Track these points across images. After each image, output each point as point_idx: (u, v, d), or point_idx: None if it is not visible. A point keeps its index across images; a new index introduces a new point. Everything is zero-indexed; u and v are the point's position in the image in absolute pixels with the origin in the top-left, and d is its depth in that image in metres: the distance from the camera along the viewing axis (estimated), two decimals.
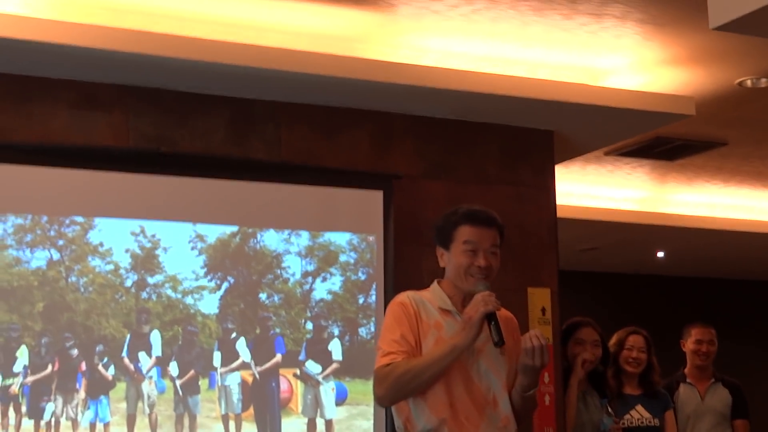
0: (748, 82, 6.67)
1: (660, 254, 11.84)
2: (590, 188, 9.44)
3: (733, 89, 6.81)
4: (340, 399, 5.62)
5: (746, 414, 7.01)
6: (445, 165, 6.34)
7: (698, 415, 6.94)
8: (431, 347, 4.20)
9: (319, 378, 5.59)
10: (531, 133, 6.64)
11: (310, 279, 5.69)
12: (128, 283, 5.35)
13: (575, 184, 9.24)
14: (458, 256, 4.26)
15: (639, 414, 6.41)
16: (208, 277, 5.49)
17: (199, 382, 5.42)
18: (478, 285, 4.20)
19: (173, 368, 5.38)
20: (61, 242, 5.26)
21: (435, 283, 4.41)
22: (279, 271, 5.64)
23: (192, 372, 5.40)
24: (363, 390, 5.70)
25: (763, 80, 6.63)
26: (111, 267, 5.32)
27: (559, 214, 6.88)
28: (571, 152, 7.36)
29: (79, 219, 5.29)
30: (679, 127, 7.23)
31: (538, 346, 4.12)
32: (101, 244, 5.32)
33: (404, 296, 4.33)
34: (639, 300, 12.75)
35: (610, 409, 5.90)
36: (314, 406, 5.58)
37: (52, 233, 5.25)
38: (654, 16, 5.78)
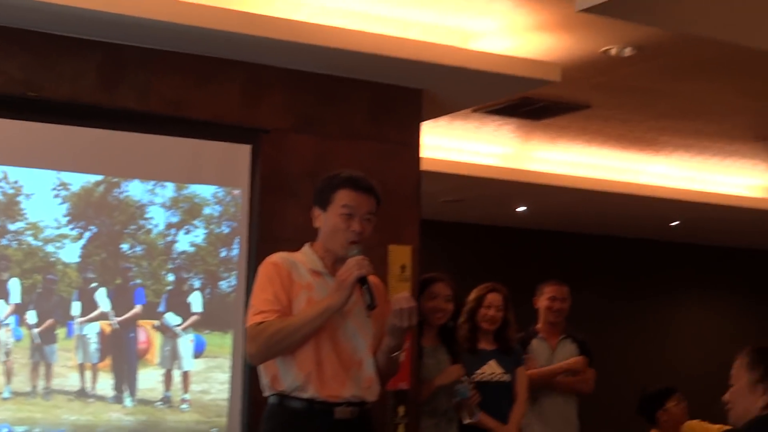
0: (613, 51, 6.81)
1: (521, 209, 12.04)
2: (457, 143, 9.55)
3: (598, 56, 6.95)
4: (198, 351, 5.63)
5: (591, 364, 7.26)
6: (313, 119, 6.35)
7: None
8: (303, 307, 4.26)
9: (178, 330, 5.60)
10: (400, 90, 6.68)
11: (173, 231, 5.66)
12: None
13: (442, 138, 9.33)
14: (335, 218, 4.33)
15: (491, 369, 6.57)
16: (71, 226, 5.43)
17: (57, 331, 5.37)
18: (351, 249, 4.28)
19: (31, 316, 5.32)
20: None
21: (307, 245, 4.47)
22: (142, 222, 5.60)
23: (50, 321, 5.35)
24: (221, 343, 5.73)
25: (627, 49, 6.77)
26: None
27: (425, 167, 6.95)
28: (439, 110, 7.43)
29: None
30: (545, 89, 7.35)
31: (407, 308, 4.22)
32: None
33: (276, 257, 4.39)
34: (499, 251, 12.97)
35: (465, 378, 6.04)
36: (171, 357, 5.59)
37: None
38: None
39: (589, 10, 4.39)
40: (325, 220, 4.37)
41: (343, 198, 4.33)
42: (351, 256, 4.25)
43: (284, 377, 4.27)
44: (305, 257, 4.40)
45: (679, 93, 7.97)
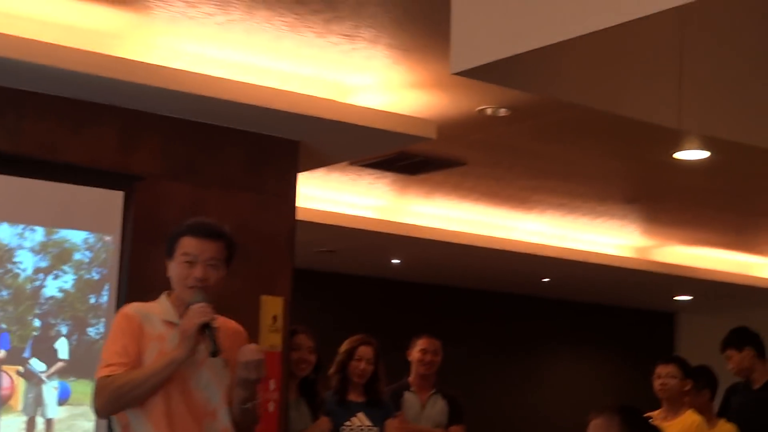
0: (488, 110, 6.95)
1: (395, 261, 12.12)
2: (333, 194, 9.60)
3: (474, 115, 7.08)
4: (63, 398, 5.56)
5: (461, 420, 7.33)
6: (189, 167, 6.34)
7: (418, 422, 7.21)
8: (152, 360, 4.22)
9: (43, 376, 5.51)
10: (277, 141, 6.71)
11: (41, 275, 5.59)
12: None
13: (318, 189, 9.37)
14: (178, 267, 4.31)
15: (360, 421, 6.59)
16: None
17: None
18: (195, 296, 4.25)
19: None
20: None
21: (164, 295, 4.43)
22: (10, 266, 5.52)
23: None
24: (86, 390, 5.65)
25: (502, 110, 6.92)
26: None
27: (300, 216, 6.98)
28: (316, 162, 7.47)
29: None
30: (421, 144, 7.44)
31: (254, 360, 4.21)
32: None
33: (129, 308, 4.34)
34: (372, 303, 13.01)
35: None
36: (35, 404, 5.50)
37: None
38: (403, 42, 5.97)
39: (462, 73, 4.47)
40: (171, 269, 4.35)
41: (184, 246, 4.30)
42: (193, 303, 4.24)
43: (135, 428, 4.23)
44: (160, 307, 4.36)
45: (551, 154, 8.15)
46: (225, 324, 4.32)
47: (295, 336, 6.24)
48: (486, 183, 9.18)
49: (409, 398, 7.26)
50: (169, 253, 4.35)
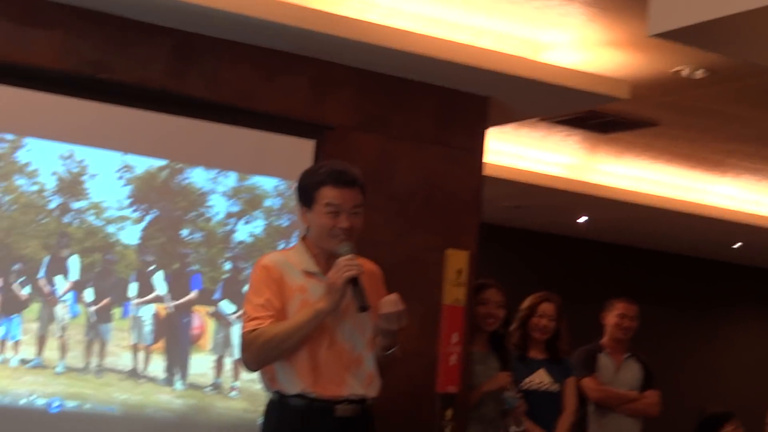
0: (684, 72, 6.79)
1: (581, 219, 12.00)
2: (522, 150, 9.55)
3: (669, 76, 6.94)
4: None
5: (656, 385, 7.26)
6: (379, 119, 6.38)
7: (612, 385, 7.16)
8: (296, 311, 4.24)
9: (232, 318, 5.66)
10: (467, 96, 6.70)
11: (233, 220, 5.73)
12: (52, 205, 5.35)
13: (507, 144, 9.33)
14: (321, 218, 4.24)
15: (540, 378, 6.57)
16: (133, 208, 5.51)
17: (113, 311, 5.46)
18: (341, 247, 4.20)
19: (88, 294, 5.41)
20: None
21: (300, 242, 4.41)
22: (203, 210, 5.67)
23: (107, 300, 5.44)
24: None
25: (699, 71, 6.76)
26: (36, 188, 5.32)
27: (489, 172, 6.96)
28: (506, 118, 7.44)
29: (9, 137, 5.28)
30: (613, 104, 7.33)
31: (395, 312, 4.18)
32: (28, 164, 5.31)
33: (268, 259, 4.32)
34: (556, 260, 12.93)
35: (513, 387, 6.05)
36: (224, 344, 5.65)
37: None
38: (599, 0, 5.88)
39: (660, 35, 4.39)
40: (312, 219, 4.29)
41: (325, 195, 4.22)
42: (341, 255, 4.22)
43: (282, 379, 4.24)
44: (298, 257, 4.32)
45: (748, 118, 7.92)
46: (362, 265, 4.23)
47: (484, 290, 6.23)
48: (678, 144, 9.00)
49: (604, 361, 7.20)
50: (308, 203, 4.29)
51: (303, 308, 4.17)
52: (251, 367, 4.29)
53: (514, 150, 9.52)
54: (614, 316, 7.24)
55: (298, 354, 4.19)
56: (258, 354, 4.15)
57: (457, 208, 6.53)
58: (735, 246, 12.93)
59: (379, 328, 4.25)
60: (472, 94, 6.70)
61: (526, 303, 6.69)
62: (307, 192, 4.25)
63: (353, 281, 4.11)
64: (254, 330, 4.12)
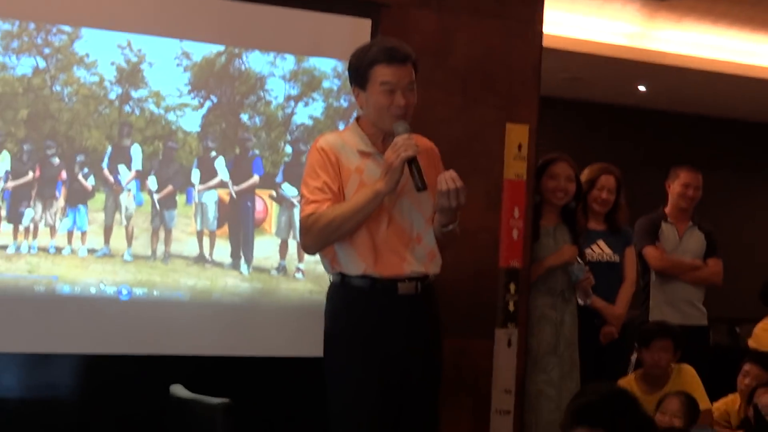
0: None
1: (642, 88, 11.87)
2: (580, 19, 9.41)
3: None
4: None
5: (717, 253, 7.26)
6: None
7: (675, 254, 7.16)
8: (354, 192, 4.23)
9: (294, 201, 5.67)
10: None
11: (292, 103, 5.70)
12: (112, 95, 5.35)
13: (565, 14, 9.20)
14: (376, 96, 4.23)
15: (600, 249, 6.58)
16: (192, 95, 5.50)
17: (177, 198, 5.49)
18: (397, 126, 4.19)
19: (152, 182, 5.44)
20: (47, 50, 5.24)
21: (354, 122, 4.41)
22: (262, 93, 5.64)
23: (170, 187, 5.47)
24: None
25: None
26: (96, 79, 5.32)
27: (546, 43, 6.85)
28: None
29: (66, 28, 5.26)
30: None
31: (453, 189, 4.17)
32: (87, 55, 5.30)
33: (324, 141, 4.32)
34: (617, 131, 12.82)
35: (579, 260, 6.04)
36: (288, 227, 5.67)
37: (39, 41, 5.22)
38: None
39: None
40: (367, 98, 4.27)
41: (380, 74, 4.22)
42: (397, 134, 4.19)
43: (343, 260, 4.27)
44: (353, 137, 4.33)
45: None
46: (418, 143, 4.26)
47: (553, 164, 6.19)
48: (740, 7, 8.84)
49: (667, 229, 7.21)
50: (361, 83, 4.28)
51: (360, 189, 4.18)
52: (310, 251, 4.34)
53: (571, 20, 9.38)
54: (678, 185, 7.22)
55: (358, 235, 4.22)
56: (318, 237, 4.19)
57: (516, 82, 6.43)
58: None
59: (438, 205, 4.25)
60: None
61: (585, 176, 6.66)
62: (359, 72, 4.25)
63: (411, 160, 4.10)
64: (312, 213, 4.16)
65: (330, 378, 4.39)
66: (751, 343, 8.10)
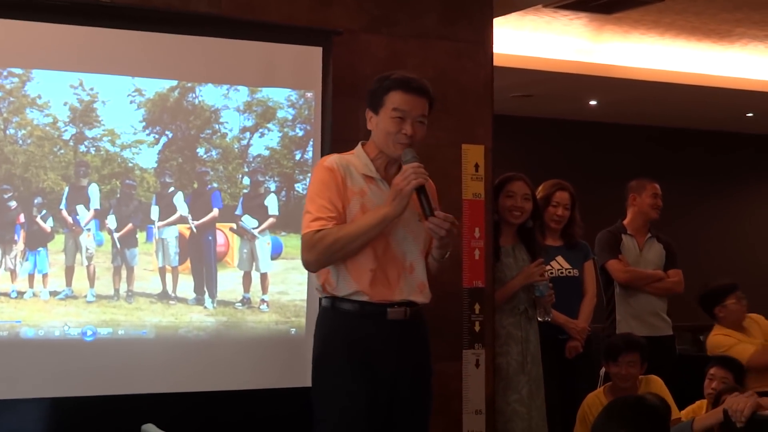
0: None
1: (593, 102, 11.95)
2: (528, 38, 9.47)
3: None
4: (276, 253, 5.69)
5: (677, 264, 7.31)
6: (385, 19, 6.29)
7: (637, 266, 7.21)
8: (357, 215, 4.27)
9: (255, 232, 5.66)
10: None
11: (247, 134, 5.69)
12: (66, 136, 5.32)
13: (513, 32, 9.25)
14: (386, 122, 4.31)
15: (559, 264, 6.63)
16: (147, 131, 5.47)
17: (137, 235, 5.45)
18: (406, 154, 4.26)
19: (111, 221, 5.40)
20: None
21: (359, 146, 4.45)
22: (217, 126, 5.63)
23: (130, 225, 5.44)
24: (297, 244, 5.70)
25: None
26: (49, 120, 5.28)
27: (496, 62, 6.90)
28: (511, 7, 7.37)
29: (17, 71, 5.23)
30: None
31: (446, 228, 4.24)
32: (39, 96, 5.26)
33: (331, 161, 4.38)
34: (570, 145, 12.88)
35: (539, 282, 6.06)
36: (250, 259, 5.66)
37: None
38: None
39: None
40: (377, 123, 4.35)
41: (394, 100, 4.30)
42: (406, 162, 4.24)
43: (337, 282, 4.31)
44: (358, 160, 4.38)
45: None
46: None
47: (510, 183, 6.23)
48: (685, 18, 8.93)
49: (627, 242, 7.26)
50: (375, 107, 4.35)
51: (361, 212, 4.22)
52: (311, 268, 4.38)
53: (520, 39, 9.44)
54: (648, 196, 7.30)
55: (356, 256, 4.24)
56: (321, 255, 4.24)
57: (469, 102, 6.48)
58: (748, 115, 12.88)
59: (436, 240, 4.29)
60: None
61: (540, 193, 6.72)
62: (376, 95, 4.34)
63: (420, 189, 4.16)
64: (319, 230, 4.19)
65: (318, 401, 4.40)
66: (710, 353, 8.16)
